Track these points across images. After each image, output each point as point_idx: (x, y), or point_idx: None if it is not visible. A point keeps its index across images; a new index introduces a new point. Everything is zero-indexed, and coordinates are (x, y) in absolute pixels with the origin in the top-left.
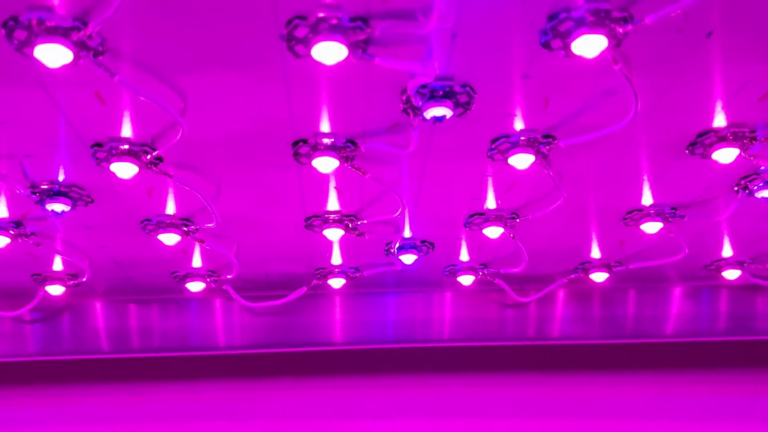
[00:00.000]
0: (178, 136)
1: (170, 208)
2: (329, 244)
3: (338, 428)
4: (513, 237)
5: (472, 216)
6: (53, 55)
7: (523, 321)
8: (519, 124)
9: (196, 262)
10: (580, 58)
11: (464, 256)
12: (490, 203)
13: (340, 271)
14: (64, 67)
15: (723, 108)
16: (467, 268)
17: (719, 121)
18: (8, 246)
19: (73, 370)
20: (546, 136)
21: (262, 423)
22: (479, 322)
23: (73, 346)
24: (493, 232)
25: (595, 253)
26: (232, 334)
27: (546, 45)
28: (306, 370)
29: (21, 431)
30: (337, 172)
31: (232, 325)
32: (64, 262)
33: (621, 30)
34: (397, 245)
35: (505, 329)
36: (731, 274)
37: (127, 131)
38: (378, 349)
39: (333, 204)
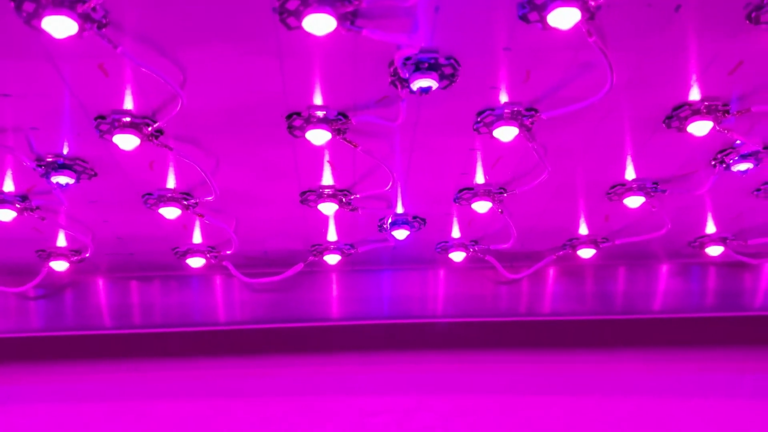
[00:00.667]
0: (178, 108)
1: (171, 182)
2: (324, 220)
3: (335, 403)
4: (501, 212)
5: (461, 191)
6: (59, 26)
7: (513, 297)
8: (503, 97)
9: (197, 238)
10: (556, 31)
11: (455, 232)
12: (479, 178)
13: (336, 248)
14: (70, 39)
15: (696, 81)
16: (458, 245)
17: (693, 94)
18: (14, 220)
19: (76, 346)
20: (529, 109)
21: (260, 399)
22: (472, 298)
23: (75, 322)
24: (482, 206)
25: (582, 229)
26: (231, 310)
27: (524, 18)
28: (303, 346)
29: (24, 407)
30: (330, 146)
31: (232, 302)
32: (68, 238)
33: (593, 3)
34: (390, 221)
35: (497, 305)
36: (714, 251)
37: (129, 104)
38: (373, 325)
39: (327, 179)
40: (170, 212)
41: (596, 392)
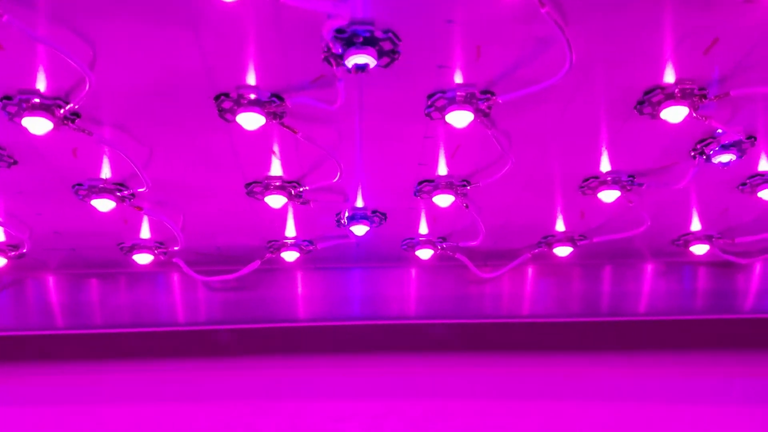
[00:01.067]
0: (87, 88)
1: (103, 172)
2: (279, 215)
3: (301, 409)
4: (466, 206)
5: (421, 183)
6: None
7: (488, 298)
8: (456, 78)
9: (143, 233)
10: (504, 1)
11: (422, 228)
12: (439, 169)
13: (293, 244)
14: None
15: (668, 61)
16: (425, 242)
17: (666, 76)
18: None
19: (25, 347)
20: (484, 92)
21: (223, 403)
22: (445, 299)
23: (22, 321)
24: (444, 200)
25: (558, 226)
26: (191, 309)
27: None
28: (268, 348)
29: None
30: (269, 133)
31: (191, 301)
32: (4, 232)
33: None
34: (347, 215)
35: (472, 306)
36: (699, 249)
37: (37, 83)
38: (342, 326)
39: (274, 169)
40: (103, 204)
41: (577, 397)
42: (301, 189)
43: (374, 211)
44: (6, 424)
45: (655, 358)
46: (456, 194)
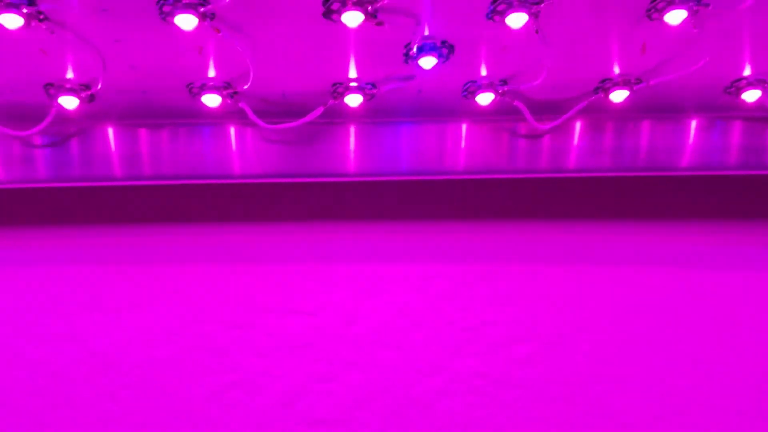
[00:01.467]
0: None
1: None
2: (346, 46)
3: (352, 271)
4: (537, 32)
5: (494, 2)
6: None
7: (540, 152)
8: None
9: (211, 71)
10: None
11: (483, 70)
12: None
13: (358, 87)
14: None
15: None
16: (486, 85)
17: None
18: (21, 32)
19: (85, 200)
20: None
21: (271, 265)
22: (495, 153)
23: (83, 172)
24: (518, 19)
25: (616, 68)
26: (246, 162)
27: None
28: (317, 210)
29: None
30: None
31: (247, 153)
32: (76, 67)
33: None
34: (416, 47)
35: (521, 161)
36: (751, 96)
37: None
38: (389, 184)
39: None
40: (187, 21)
41: (607, 263)
42: (378, 4)
43: (443, 42)
44: (60, 283)
45: (693, 223)
46: (529, 13)
